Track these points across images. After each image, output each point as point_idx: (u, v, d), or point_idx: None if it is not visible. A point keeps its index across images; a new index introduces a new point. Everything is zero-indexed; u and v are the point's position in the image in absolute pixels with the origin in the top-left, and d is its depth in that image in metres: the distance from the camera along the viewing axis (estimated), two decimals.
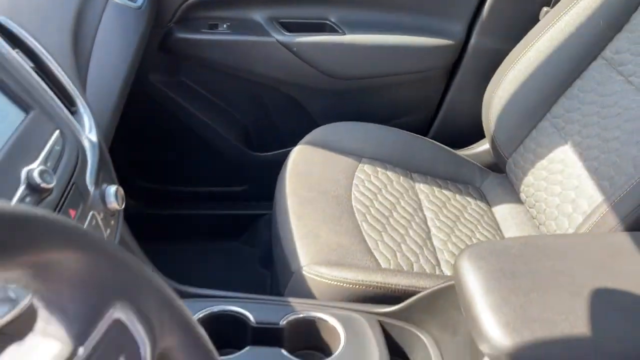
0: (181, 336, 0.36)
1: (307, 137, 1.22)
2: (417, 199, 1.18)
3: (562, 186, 1.06)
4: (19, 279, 0.26)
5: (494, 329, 0.63)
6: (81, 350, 0.29)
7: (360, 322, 0.82)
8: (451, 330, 0.79)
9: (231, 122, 1.43)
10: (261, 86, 1.35)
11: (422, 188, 1.22)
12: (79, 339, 0.29)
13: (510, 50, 1.21)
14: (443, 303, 0.80)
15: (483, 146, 1.35)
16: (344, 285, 0.90)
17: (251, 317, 0.81)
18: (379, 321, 0.84)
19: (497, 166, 1.30)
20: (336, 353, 0.78)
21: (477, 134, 1.33)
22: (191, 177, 1.48)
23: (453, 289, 0.75)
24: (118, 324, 0.31)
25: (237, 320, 0.81)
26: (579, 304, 0.65)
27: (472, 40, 1.30)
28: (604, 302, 0.66)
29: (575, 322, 0.63)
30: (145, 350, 0.33)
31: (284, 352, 0.77)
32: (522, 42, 1.19)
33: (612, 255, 0.72)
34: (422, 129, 1.42)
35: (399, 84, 1.37)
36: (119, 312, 0.32)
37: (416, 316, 0.84)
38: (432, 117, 1.43)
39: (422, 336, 0.83)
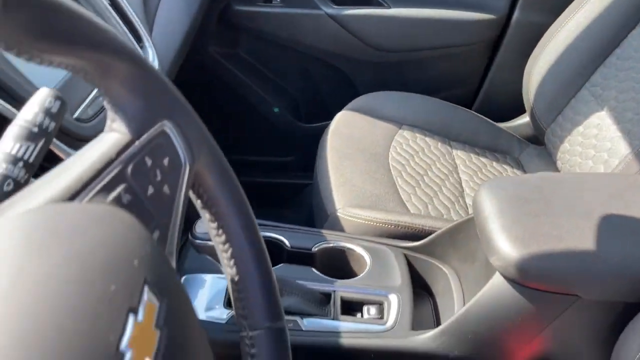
0: (215, 170, 0.45)
1: (351, 104, 1.30)
2: (453, 163, 1.24)
3: (596, 149, 1.09)
4: (85, 69, 0.35)
5: (504, 242, 0.69)
6: (137, 143, 0.39)
7: (386, 252, 0.89)
8: (470, 260, 0.84)
9: (281, 94, 1.53)
10: (310, 58, 1.45)
11: (459, 154, 1.27)
12: (135, 134, 0.39)
13: (552, 23, 1.25)
14: (464, 236, 0.86)
15: (524, 119, 1.39)
16: (374, 224, 0.97)
17: (287, 242, 0.89)
18: (405, 254, 0.90)
19: (536, 138, 1.33)
20: (361, 275, 0.85)
21: (520, 108, 1.36)
22: (242, 146, 1.59)
23: (473, 222, 0.81)
24: (165, 135, 0.41)
25: (274, 245, 0.90)
26: (588, 225, 0.70)
27: (515, 15, 1.35)
28: (614, 225, 0.70)
29: (582, 239, 0.68)
30: (185, 162, 0.42)
31: (314, 270, 0.85)
32: (562, 14, 1.23)
33: (627, 189, 0.75)
34: (466, 103, 1.47)
35: (443, 57, 1.43)
36: (167, 128, 0.41)
37: (439, 250, 0.89)
38: (475, 91, 1.48)
39: (444, 268, 0.89)
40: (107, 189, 0.36)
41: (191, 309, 0.35)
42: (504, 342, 0.74)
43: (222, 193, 0.46)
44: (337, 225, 1.01)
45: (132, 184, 0.37)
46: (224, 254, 0.47)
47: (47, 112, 0.43)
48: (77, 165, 0.36)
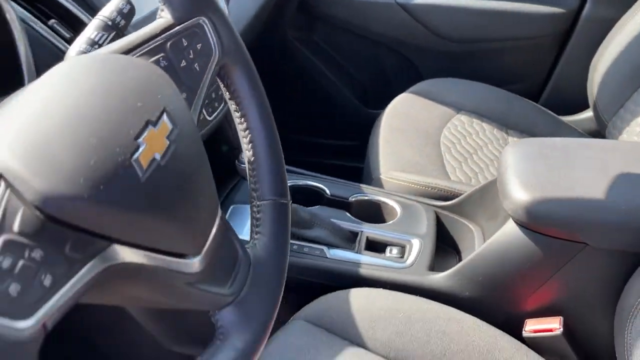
0: (241, 67, 0.57)
1: (413, 87, 1.39)
2: None
3: None
4: None
5: (516, 187, 0.75)
6: (177, 27, 0.51)
7: (417, 207, 0.97)
8: (494, 216, 0.89)
9: (351, 80, 1.64)
10: (379, 46, 1.55)
11: (514, 141, 1.31)
12: (177, 20, 0.51)
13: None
14: (491, 195, 0.91)
15: (587, 113, 1.40)
16: (412, 185, 1.05)
17: (327, 191, 1.00)
18: (435, 212, 0.97)
19: (598, 133, 1.34)
20: (390, 222, 0.93)
21: (587, 102, 1.37)
22: (308, 127, 1.71)
23: None
24: (201, 27, 0.53)
25: (315, 192, 1.00)
26: (602, 179, 0.74)
27: (586, 9, 1.37)
28: (628, 181, 0.73)
29: (593, 190, 0.72)
30: (215, 52, 0.54)
31: (347, 214, 0.94)
32: (632, 8, 1.25)
33: None
34: (533, 96, 1.49)
35: (511, 49, 1.48)
36: (203, 22, 0.53)
37: (468, 209, 0.95)
38: (542, 84, 1.50)
39: (471, 226, 0.95)
40: (150, 53, 0.49)
41: (200, 146, 0.46)
42: (513, 287, 0.79)
43: (246, 87, 0.57)
44: (379, 187, 1.09)
45: (169, 55, 0.50)
46: (244, 139, 0.58)
47: (120, 12, 0.57)
48: (131, 37, 0.49)
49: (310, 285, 0.84)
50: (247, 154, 0.58)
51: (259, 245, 0.55)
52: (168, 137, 0.42)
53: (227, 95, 0.58)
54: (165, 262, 0.42)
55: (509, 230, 0.78)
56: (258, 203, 0.57)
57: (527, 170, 0.77)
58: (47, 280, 0.33)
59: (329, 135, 1.72)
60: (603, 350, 0.76)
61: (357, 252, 0.87)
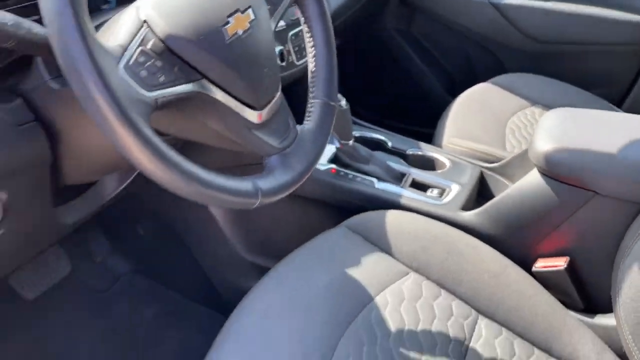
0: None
1: (494, 78, 1.52)
2: None
3: None
4: None
5: (541, 139, 0.88)
6: None
7: (465, 165, 1.11)
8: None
9: (440, 70, 1.80)
10: (470, 41, 1.70)
11: None
12: None
13: None
14: None
15: None
16: (469, 150, 1.19)
17: (389, 143, 1.17)
18: (481, 171, 1.11)
19: None
20: (438, 171, 1.09)
21: None
22: (395, 112, 1.88)
23: None
24: None
25: (379, 144, 1.18)
26: (619, 139, 0.85)
27: None
28: None
29: (608, 147, 0.84)
30: None
31: (401, 160, 1.11)
32: None
33: None
34: (616, 101, 1.56)
35: (596, 53, 1.56)
36: None
37: (510, 171, 1.08)
38: (626, 91, 1.56)
39: (509, 185, 1.07)
40: None
41: (271, 38, 0.67)
42: (531, 229, 0.92)
43: (316, 15, 0.77)
44: None
45: None
46: (310, 55, 0.78)
47: None
48: None
49: (358, 207, 1.02)
50: (310, 66, 0.78)
51: (306, 128, 0.74)
52: (250, 23, 0.63)
53: (302, 19, 0.78)
54: (236, 105, 0.63)
55: (532, 177, 0.91)
56: (312, 101, 0.77)
57: (555, 128, 0.90)
58: (161, 79, 0.55)
59: (413, 121, 1.88)
60: (601, 291, 0.86)
61: (401, 187, 1.03)
